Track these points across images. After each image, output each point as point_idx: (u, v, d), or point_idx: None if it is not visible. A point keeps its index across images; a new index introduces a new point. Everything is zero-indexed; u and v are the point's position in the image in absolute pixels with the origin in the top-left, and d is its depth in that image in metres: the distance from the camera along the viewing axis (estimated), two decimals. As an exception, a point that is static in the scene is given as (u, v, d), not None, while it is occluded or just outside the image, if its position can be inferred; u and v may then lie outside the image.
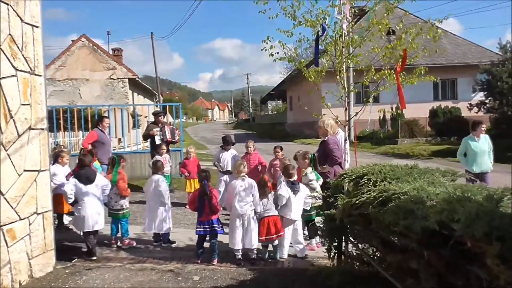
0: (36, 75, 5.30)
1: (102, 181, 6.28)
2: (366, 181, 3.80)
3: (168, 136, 10.58)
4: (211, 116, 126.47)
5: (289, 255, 6.18)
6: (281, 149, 8.67)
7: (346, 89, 5.38)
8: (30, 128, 5.14)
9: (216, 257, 5.90)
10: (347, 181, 4.11)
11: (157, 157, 9.48)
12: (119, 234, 6.65)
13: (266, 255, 6.07)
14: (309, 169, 6.60)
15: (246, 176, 6.10)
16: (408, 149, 20.02)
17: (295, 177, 6.25)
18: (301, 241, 6.24)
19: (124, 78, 31.67)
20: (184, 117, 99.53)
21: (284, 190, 6.04)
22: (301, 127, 33.10)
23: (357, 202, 3.60)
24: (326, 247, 5.22)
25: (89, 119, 13.31)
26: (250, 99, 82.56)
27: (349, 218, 4.32)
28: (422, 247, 3.03)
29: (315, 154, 6.72)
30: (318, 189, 6.41)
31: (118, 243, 6.58)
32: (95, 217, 6.03)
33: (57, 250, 6.18)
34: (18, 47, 4.95)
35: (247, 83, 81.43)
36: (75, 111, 12.36)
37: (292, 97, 39.42)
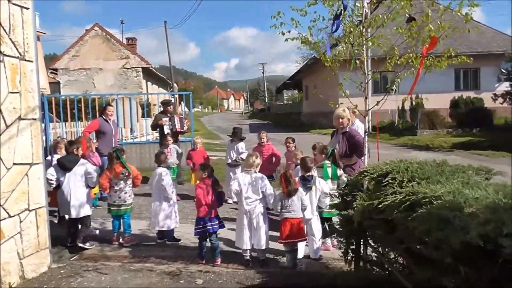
0: (26, 60, 4.87)
1: (86, 169, 5.99)
2: (390, 181, 3.28)
3: (178, 126, 10.13)
4: (226, 106, 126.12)
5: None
6: (293, 140, 8.17)
7: (367, 75, 4.83)
8: (20, 118, 4.73)
9: (219, 256, 5.47)
10: (367, 179, 3.60)
11: (171, 146, 9.06)
12: (121, 231, 6.26)
13: (290, 263, 5.41)
14: (328, 162, 6.04)
15: (256, 169, 5.61)
16: (428, 141, 19.31)
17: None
18: (315, 241, 5.75)
19: (138, 67, 31.39)
20: (200, 107, 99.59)
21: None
22: (317, 116, 32.43)
23: (379, 206, 3.09)
24: (342, 251, 4.74)
25: (97, 109, 12.99)
26: (265, 89, 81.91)
27: (369, 221, 3.82)
28: (458, 262, 2.53)
29: (334, 149, 6.17)
30: (325, 188, 5.84)
31: (120, 240, 6.19)
32: (74, 204, 5.90)
33: (57, 246, 5.89)
34: (4, 30, 4.52)
35: (263, 72, 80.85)
36: (82, 101, 11.99)
37: (308, 86, 38.72)
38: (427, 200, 2.78)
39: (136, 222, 7.12)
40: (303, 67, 41.61)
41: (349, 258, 4.71)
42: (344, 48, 5.05)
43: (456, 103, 22.67)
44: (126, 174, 6.08)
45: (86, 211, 6.01)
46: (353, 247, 4.69)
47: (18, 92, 4.73)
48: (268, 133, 9.17)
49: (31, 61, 4.97)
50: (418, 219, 2.75)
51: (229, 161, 8.85)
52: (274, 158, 8.50)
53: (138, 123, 12.77)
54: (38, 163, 5.03)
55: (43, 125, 11.18)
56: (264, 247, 5.47)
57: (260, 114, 66.01)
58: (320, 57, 5.02)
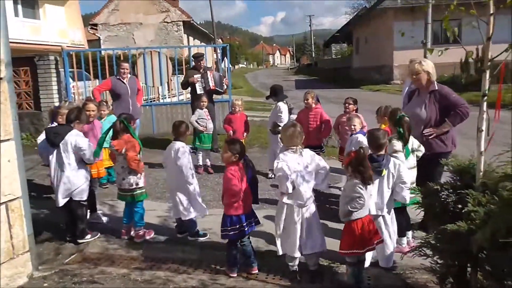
0: (-20, -6, 3.45)
1: (75, 142, 4.60)
2: None
3: (212, 84, 8.58)
4: (272, 61, 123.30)
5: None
6: (355, 102, 6.49)
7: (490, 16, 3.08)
8: (-27, 78, 3.37)
9: (255, 263, 4.06)
10: (508, 185, 1.96)
11: (198, 111, 7.68)
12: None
13: (352, 279, 3.79)
14: (395, 136, 4.40)
15: (302, 147, 4.02)
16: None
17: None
18: (388, 243, 4.15)
19: (178, 21, 29.91)
20: (245, 63, 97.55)
21: None
22: (369, 71, 29.97)
23: None
24: (437, 275, 3.17)
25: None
26: (312, 43, 78.55)
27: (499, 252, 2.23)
28: None
29: (404, 115, 4.49)
30: (405, 173, 4.15)
31: (132, 233, 4.87)
32: (61, 189, 4.63)
33: (56, 240, 4.77)
34: None
35: (310, 25, 77.24)
36: (106, 56, 10.65)
37: (358, 38, 35.90)
38: None
39: (156, 204, 5.82)
40: (353, 18, 38.78)
41: (448, 285, 3.16)
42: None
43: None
44: (119, 152, 4.64)
45: (80, 196, 4.72)
46: (455, 269, 3.13)
47: (-32, 41, 3.34)
48: (315, 90, 7.45)
49: (-10, -3, 3.54)
50: None
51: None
52: (323, 126, 6.80)
53: (169, 81, 11.43)
54: (8, 140, 3.69)
55: (64, 83, 10.01)
56: (321, 249, 3.98)
57: (306, 69, 63.30)
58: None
